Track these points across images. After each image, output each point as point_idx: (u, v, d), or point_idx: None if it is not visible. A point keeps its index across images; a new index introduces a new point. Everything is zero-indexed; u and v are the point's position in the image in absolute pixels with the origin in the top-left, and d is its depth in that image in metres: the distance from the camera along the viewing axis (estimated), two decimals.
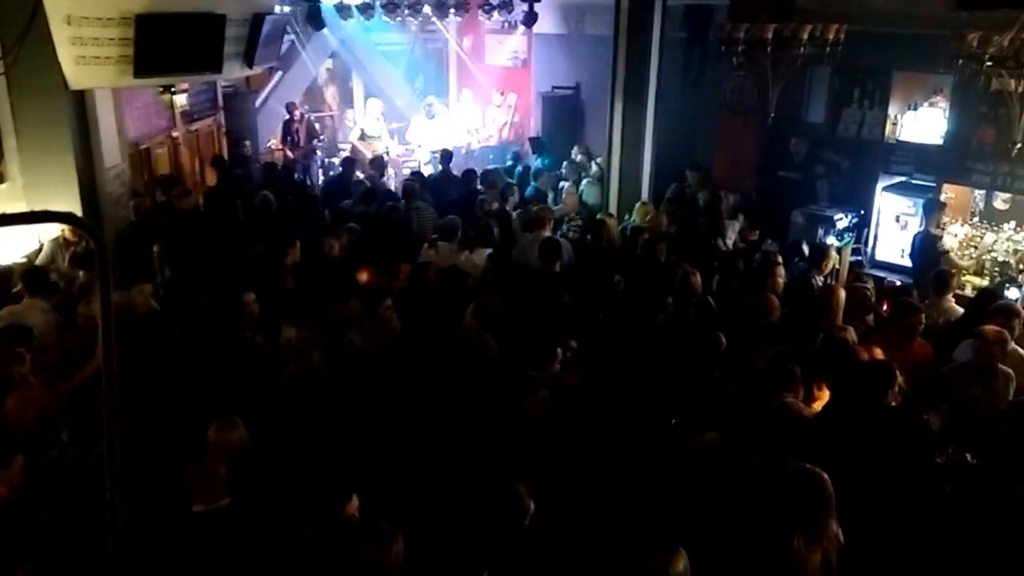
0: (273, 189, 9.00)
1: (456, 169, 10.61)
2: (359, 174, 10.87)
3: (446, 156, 10.73)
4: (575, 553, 3.69)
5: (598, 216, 8.83)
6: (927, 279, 6.85)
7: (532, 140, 12.84)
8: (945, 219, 8.49)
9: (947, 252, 8.06)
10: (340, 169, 11.24)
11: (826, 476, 3.58)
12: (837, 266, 7.97)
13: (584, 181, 10.65)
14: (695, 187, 9.94)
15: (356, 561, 3.40)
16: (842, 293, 6.03)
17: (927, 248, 7.92)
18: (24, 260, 7.23)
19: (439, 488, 4.21)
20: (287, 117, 12.75)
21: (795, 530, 3.50)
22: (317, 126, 13.75)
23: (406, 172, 12.45)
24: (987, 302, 5.93)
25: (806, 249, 8.47)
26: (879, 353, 5.20)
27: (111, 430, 1.84)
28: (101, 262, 1.78)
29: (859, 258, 9.42)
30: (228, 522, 3.77)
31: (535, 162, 11.70)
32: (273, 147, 13.25)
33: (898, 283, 7.89)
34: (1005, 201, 8.68)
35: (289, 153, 12.61)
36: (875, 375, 4.71)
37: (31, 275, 6.19)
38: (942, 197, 8.61)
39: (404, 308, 6.06)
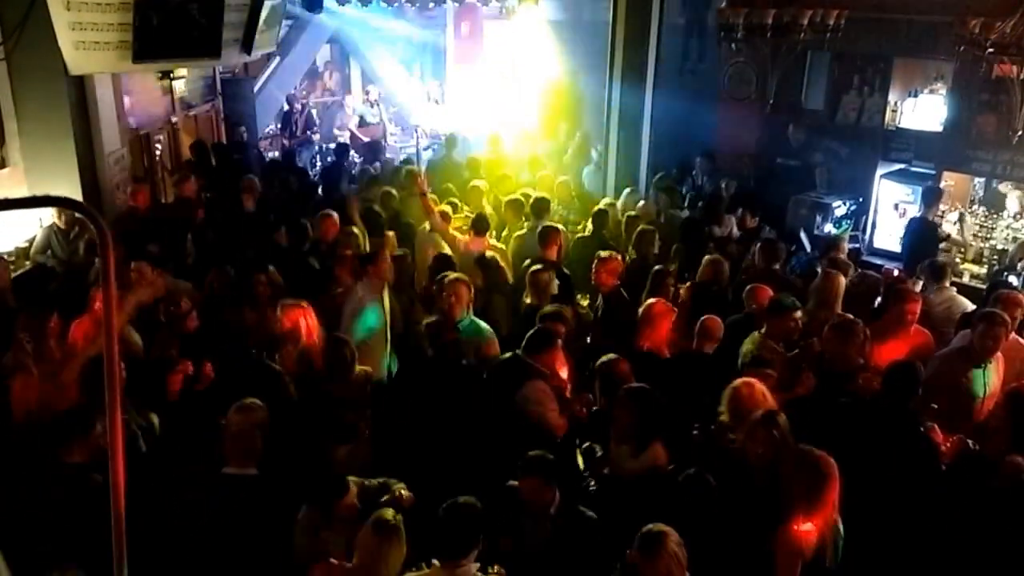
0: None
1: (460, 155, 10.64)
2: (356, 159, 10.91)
3: (452, 142, 10.76)
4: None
5: (601, 204, 8.79)
6: (920, 265, 6.85)
7: None
8: (944, 207, 8.49)
9: (947, 237, 8.06)
10: (334, 156, 11.29)
11: (831, 459, 3.60)
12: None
13: (586, 169, 10.65)
14: (704, 175, 10.00)
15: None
16: (841, 280, 6.03)
17: (921, 235, 7.89)
18: (25, 245, 7.26)
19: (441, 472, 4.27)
20: (287, 108, 12.77)
21: (793, 507, 3.54)
22: (314, 112, 13.77)
23: (403, 157, 12.48)
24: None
25: (804, 237, 8.50)
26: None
27: (112, 413, 1.86)
28: (102, 247, 1.79)
29: (857, 245, 9.43)
30: (251, 489, 3.94)
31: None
32: (270, 133, 13.27)
33: (896, 271, 7.89)
34: None
35: (285, 142, 12.65)
36: (899, 377, 4.63)
37: None
38: (941, 184, 8.61)
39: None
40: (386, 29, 14.85)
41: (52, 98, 7.36)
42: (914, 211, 8.89)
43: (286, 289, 6.16)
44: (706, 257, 6.59)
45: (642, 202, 8.76)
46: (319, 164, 12.78)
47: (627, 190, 9.28)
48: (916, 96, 9.49)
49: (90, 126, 7.81)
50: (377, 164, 10.96)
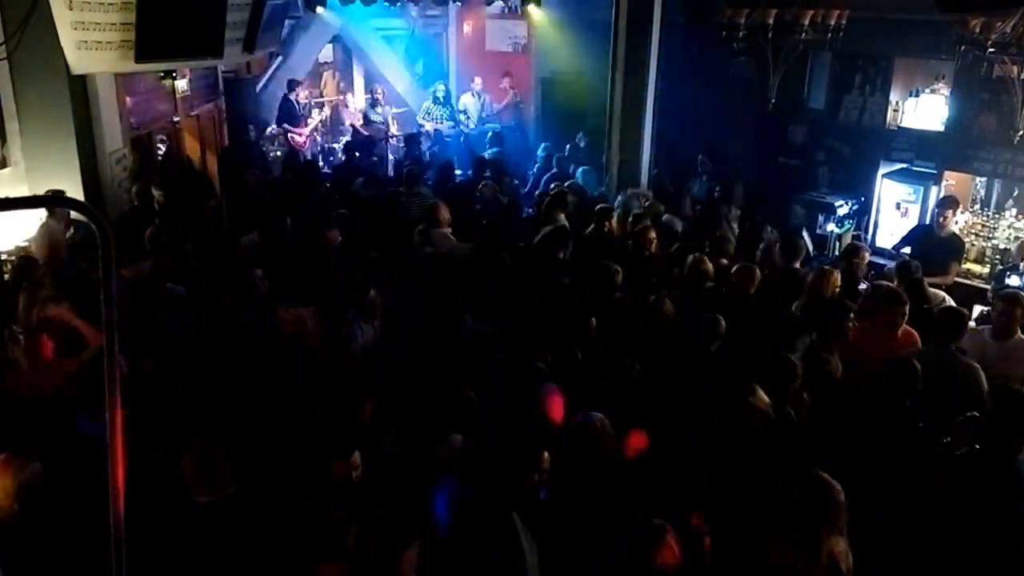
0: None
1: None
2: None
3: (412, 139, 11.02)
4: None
5: (600, 206, 8.76)
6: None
7: None
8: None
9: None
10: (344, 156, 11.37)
11: (835, 485, 3.14)
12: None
13: (580, 169, 10.64)
14: (706, 173, 10.02)
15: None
16: (836, 277, 6.06)
17: (924, 239, 7.83)
18: (25, 244, 7.26)
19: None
20: (294, 99, 12.78)
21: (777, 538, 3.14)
22: (315, 111, 13.79)
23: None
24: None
25: (806, 236, 8.49)
26: None
27: (112, 413, 1.86)
28: (104, 246, 1.79)
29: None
30: (234, 511, 3.56)
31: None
32: (273, 133, 13.23)
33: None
34: None
35: (297, 137, 12.65)
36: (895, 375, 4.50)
37: None
38: (950, 192, 8.58)
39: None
40: (389, 28, 14.86)
41: (54, 98, 7.36)
42: (916, 210, 8.89)
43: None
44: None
45: (649, 202, 8.77)
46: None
47: (630, 189, 9.28)
48: (917, 96, 9.48)
49: (92, 125, 7.82)
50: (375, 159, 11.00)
